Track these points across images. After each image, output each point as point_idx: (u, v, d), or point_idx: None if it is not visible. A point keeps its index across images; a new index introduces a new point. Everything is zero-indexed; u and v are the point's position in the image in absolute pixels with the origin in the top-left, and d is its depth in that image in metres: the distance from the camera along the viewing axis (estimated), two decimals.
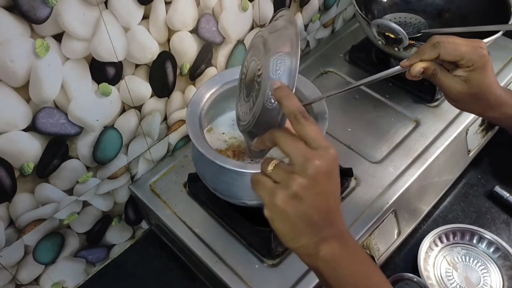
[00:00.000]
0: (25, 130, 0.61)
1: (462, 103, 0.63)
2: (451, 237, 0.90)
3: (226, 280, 0.70)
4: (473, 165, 1.01)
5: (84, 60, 0.62)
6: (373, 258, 0.76)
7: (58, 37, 0.57)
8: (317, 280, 0.69)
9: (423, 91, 0.95)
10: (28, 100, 0.59)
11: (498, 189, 0.96)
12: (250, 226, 0.74)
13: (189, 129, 0.64)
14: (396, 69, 0.62)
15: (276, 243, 0.71)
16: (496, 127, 1.03)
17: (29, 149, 0.63)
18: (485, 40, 0.79)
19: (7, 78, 0.55)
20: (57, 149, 0.66)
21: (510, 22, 0.86)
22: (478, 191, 0.98)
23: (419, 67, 0.60)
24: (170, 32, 0.71)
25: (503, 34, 0.84)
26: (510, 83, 1.00)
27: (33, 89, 0.58)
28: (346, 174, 0.80)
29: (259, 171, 0.62)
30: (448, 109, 0.93)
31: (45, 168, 0.67)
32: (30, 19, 0.53)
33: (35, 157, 0.64)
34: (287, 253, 0.72)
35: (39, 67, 0.57)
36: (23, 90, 0.57)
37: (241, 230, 0.75)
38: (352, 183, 0.81)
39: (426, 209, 0.91)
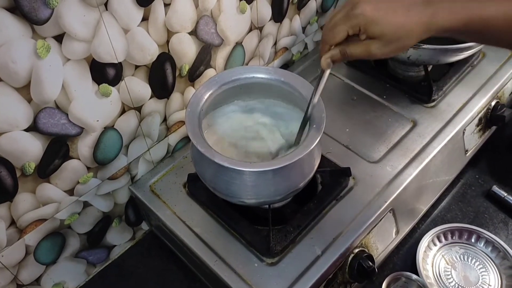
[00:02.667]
0: (26, 130, 0.61)
1: (394, 50, 0.56)
2: (449, 236, 0.90)
3: (225, 279, 0.71)
4: (471, 165, 1.02)
5: (84, 61, 0.63)
6: (372, 256, 0.77)
7: (59, 38, 0.58)
8: (315, 278, 0.70)
9: (420, 92, 0.96)
10: (29, 100, 0.59)
11: (495, 188, 0.96)
12: (249, 225, 0.75)
13: (189, 129, 0.65)
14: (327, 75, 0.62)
15: (274, 241, 0.72)
16: (493, 127, 1.03)
17: (31, 149, 0.64)
18: None
19: (8, 79, 0.56)
20: (58, 149, 0.67)
21: None
22: (476, 191, 0.99)
23: (326, 62, 0.59)
24: (169, 33, 0.72)
25: None
26: (507, 82, 1.01)
27: (34, 90, 0.59)
28: (344, 173, 0.81)
29: (256, 169, 0.63)
30: (445, 109, 0.94)
31: (46, 168, 0.67)
32: (31, 20, 0.54)
33: (36, 157, 0.65)
34: (286, 251, 0.73)
35: (40, 67, 0.58)
36: (25, 90, 0.58)
37: (240, 229, 0.75)
38: (350, 182, 0.82)
39: (424, 208, 0.92)
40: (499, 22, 0.52)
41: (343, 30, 0.55)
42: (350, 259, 0.76)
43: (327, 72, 0.61)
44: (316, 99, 0.64)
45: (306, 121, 0.67)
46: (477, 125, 0.97)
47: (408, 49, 0.56)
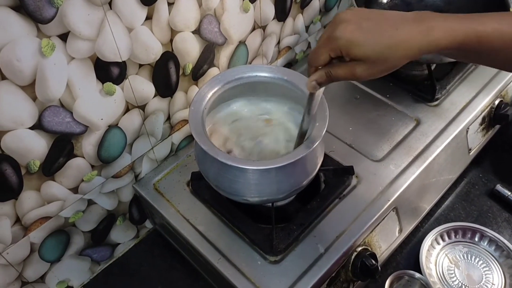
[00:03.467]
0: (31, 128, 0.62)
1: (381, 71, 0.53)
2: (452, 235, 0.90)
3: (229, 277, 0.71)
4: (475, 164, 1.02)
5: (89, 59, 0.63)
6: (375, 255, 0.77)
7: (64, 37, 0.59)
8: (318, 276, 0.70)
9: (424, 91, 0.96)
10: (34, 98, 0.60)
11: (499, 187, 0.96)
12: (253, 224, 0.75)
13: (192, 127, 0.66)
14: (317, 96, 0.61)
15: (278, 240, 0.72)
16: (497, 126, 1.03)
17: (35, 147, 0.64)
18: None
19: (13, 77, 0.56)
20: (62, 147, 0.68)
21: None
22: (480, 190, 0.99)
23: (311, 85, 0.57)
24: (173, 32, 0.73)
25: None
26: (509, 83, 1.01)
27: (39, 88, 0.60)
28: (347, 172, 0.81)
29: (259, 167, 0.63)
30: (448, 108, 0.94)
31: (51, 166, 0.68)
32: (36, 19, 0.55)
33: (41, 155, 0.66)
34: (289, 249, 0.73)
35: (45, 66, 0.59)
36: (30, 88, 0.59)
37: (244, 227, 0.75)
38: (354, 181, 0.82)
39: (427, 207, 0.92)
40: (494, 40, 0.49)
41: (325, 53, 0.53)
42: (353, 257, 0.76)
43: (319, 93, 0.60)
44: (309, 117, 0.64)
45: (303, 133, 0.66)
46: (481, 124, 0.97)
47: (398, 68, 0.54)
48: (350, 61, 0.52)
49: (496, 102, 0.98)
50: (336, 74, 0.54)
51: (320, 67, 0.55)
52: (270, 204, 0.75)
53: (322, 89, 0.59)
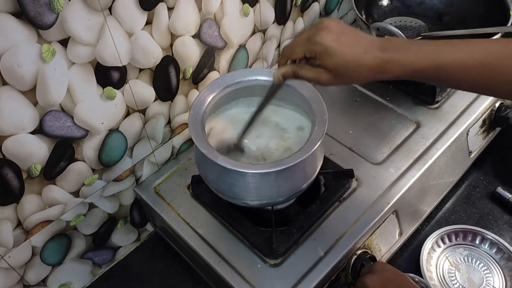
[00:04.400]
0: (32, 132, 0.62)
1: (341, 83, 0.58)
2: (453, 238, 0.90)
3: (229, 280, 0.71)
4: (475, 167, 1.02)
5: (89, 64, 0.64)
6: (375, 258, 0.77)
7: (64, 42, 0.59)
8: (318, 279, 0.70)
9: (424, 93, 0.96)
10: (35, 103, 0.60)
11: (500, 190, 0.96)
12: (253, 227, 0.76)
13: (192, 131, 0.66)
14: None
15: (278, 243, 0.72)
16: (498, 129, 1.03)
17: (36, 151, 0.65)
18: None
19: (15, 82, 0.57)
20: (63, 151, 0.68)
21: (509, 24, 0.87)
22: (481, 193, 0.99)
23: (277, 77, 0.61)
24: (173, 37, 0.73)
25: (502, 36, 0.85)
26: None
27: (40, 93, 0.60)
28: (347, 175, 0.81)
29: (259, 171, 0.63)
30: (448, 111, 0.94)
31: (52, 170, 0.68)
32: (37, 25, 0.55)
33: (42, 159, 0.66)
34: (289, 253, 0.73)
35: (45, 71, 0.59)
36: (30, 93, 0.59)
37: (244, 230, 0.76)
38: (354, 184, 0.82)
39: (427, 210, 0.92)
40: (454, 70, 0.53)
41: (301, 51, 0.57)
42: (353, 260, 0.76)
43: (281, 85, 0.64)
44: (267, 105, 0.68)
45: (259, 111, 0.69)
46: (481, 127, 0.97)
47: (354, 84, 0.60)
48: (318, 66, 0.56)
49: (497, 104, 0.98)
50: (303, 75, 0.58)
51: (289, 61, 0.60)
52: (270, 207, 0.76)
53: (284, 82, 0.63)
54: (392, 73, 0.55)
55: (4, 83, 0.56)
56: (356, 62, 0.54)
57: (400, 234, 0.85)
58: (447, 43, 0.55)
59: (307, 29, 0.57)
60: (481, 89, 0.58)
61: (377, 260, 0.77)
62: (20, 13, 0.53)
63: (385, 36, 0.84)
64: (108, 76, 0.68)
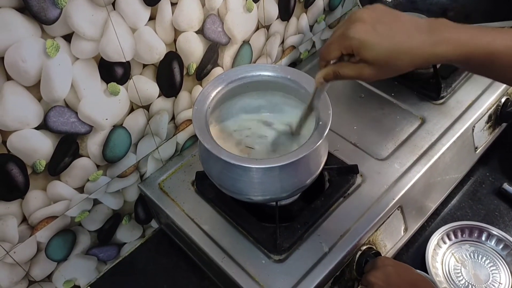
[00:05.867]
0: (37, 128, 0.63)
1: (383, 75, 0.54)
2: (459, 234, 0.90)
3: (233, 276, 0.71)
4: (481, 163, 1.01)
5: (93, 60, 0.64)
6: (380, 254, 0.76)
7: (68, 38, 0.59)
8: (323, 275, 0.70)
9: (429, 89, 0.95)
10: (39, 99, 0.61)
11: (506, 186, 0.96)
12: (257, 223, 0.75)
13: (196, 126, 0.66)
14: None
15: (282, 238, 0.72)
16: (504, 124, 1.02)
17: (41, 147, 0.65)
18: None
19: (19, 78, 0.57)
20: (68, 147, 0.68)
21: None
22: (487, 189, 0.98)
23: (318, 80, 0.59)
24: (177, 32, 0.73)
25: None
26: None
27: (44, 88, 0.60)
28: (351, 171, 0.81)
29: (262, 166, 0.63)
30: (454, 106, 0.93)
31: (57, 165, 0.69)
32: (41, 20, 0.55)
33: (47, 155, 0.66)
34: (293, 248, 0.73)
35: (49, 66, 0.59)
36: (35, 89, 0.59)
37: (248, 226, 0.76)
38: (358, 179, 0.82)
39: (433, 206, 0.92)
40: (504, 57, 0.50)
41: (337, 50, 0.54)
42: (357, 256, 0.76)
43: (324, 88, 0.62)
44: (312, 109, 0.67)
45: (307, 113, 0.68)
46: (487, 122, 0.96)
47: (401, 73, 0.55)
48: (358, 62, 0.53)
49: (503, 100, 0.97)
50: (344, 74, 0.55)
51: (331, 62, 0.56)
52: (274, 203, 0.76)
53: (328, 84, 0.61)
54: (443, 55, 0.50)
55: (9, 78, 0.56)
56: (398, 50, 0.50)
57: (406, 230, 0.85)
58: (497, 29, 0.50)
59: (341, 25, 0.54)
60: None
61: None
62: (24, 8, 0.53)
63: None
64: (112, 72, 0.68)
